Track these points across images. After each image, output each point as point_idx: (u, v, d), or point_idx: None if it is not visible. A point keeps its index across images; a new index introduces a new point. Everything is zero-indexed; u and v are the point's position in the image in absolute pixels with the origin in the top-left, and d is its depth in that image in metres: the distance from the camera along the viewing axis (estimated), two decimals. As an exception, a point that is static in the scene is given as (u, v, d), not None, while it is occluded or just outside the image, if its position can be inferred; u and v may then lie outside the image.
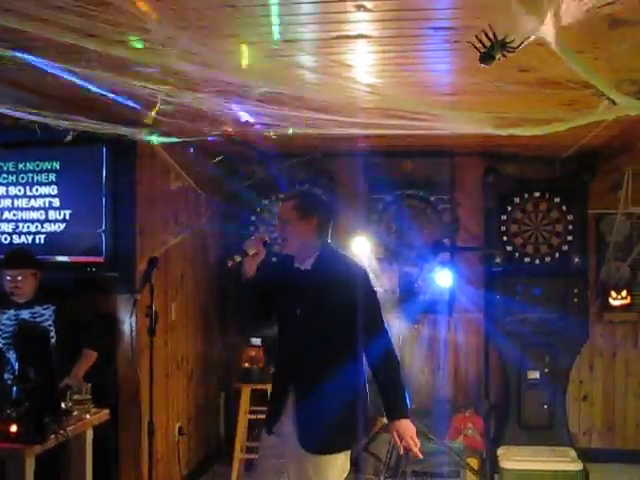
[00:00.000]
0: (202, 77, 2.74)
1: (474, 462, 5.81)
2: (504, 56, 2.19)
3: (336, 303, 3.21)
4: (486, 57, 2.17)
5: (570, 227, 6.22)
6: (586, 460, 5.76)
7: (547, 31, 2.35)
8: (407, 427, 3.27)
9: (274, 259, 3.65)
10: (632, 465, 6.17)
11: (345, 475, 3.31)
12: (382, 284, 6.07)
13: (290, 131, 3.58)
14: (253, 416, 5.66)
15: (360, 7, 2.58)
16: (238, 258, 3.32)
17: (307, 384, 3.22)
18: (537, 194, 6.28)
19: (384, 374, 3.29)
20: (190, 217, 5.74)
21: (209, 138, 4.19)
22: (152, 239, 5.00)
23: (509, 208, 6.31)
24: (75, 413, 3.89)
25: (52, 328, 4.35)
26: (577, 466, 5.63)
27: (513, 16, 2.17)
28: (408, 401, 3.38)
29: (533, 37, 2.25)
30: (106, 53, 2.50)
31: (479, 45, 2.15)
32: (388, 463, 5.48)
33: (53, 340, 4.27)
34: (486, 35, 2.10)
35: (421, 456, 3.33)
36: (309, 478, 3.17)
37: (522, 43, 2.17)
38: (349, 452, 3.30)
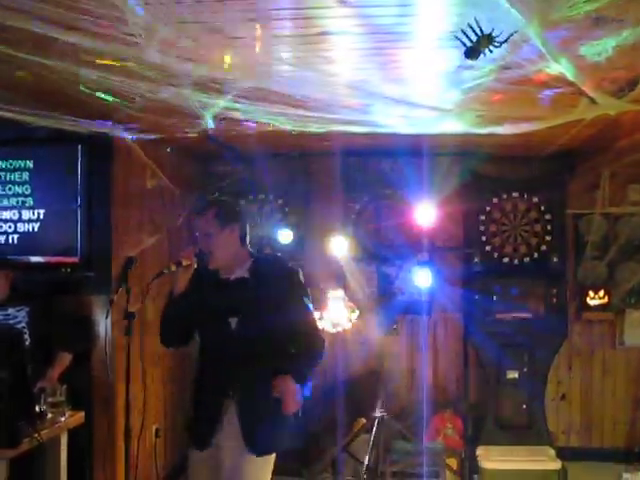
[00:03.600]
0: (183, 71, 2.68)
1: (453, 462, 5.81)
2: (490, 51, 2.16)
3: (277, 308, 3.22)
4: (472, 51, 2.14)
5: (548, 227, 6.24)
6: (564, 459, 5.78)
7: (532, 27, 2.33)
8: (289, 383, 3.20)
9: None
10: (610, 463, 6.19)
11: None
12: (360, 284, 6.05)
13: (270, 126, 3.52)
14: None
15: (342, 1, 2.55)
16: (173, 267, 3.20)
17: (248, 390, 3.21)
18: (515, 194, 6.28)
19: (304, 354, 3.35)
20: (166, 217, 5.66)
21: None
22: (128, 239, 4.92)
23: (488, 208, 6.31)
24: (49, 416, 3.80)
25: (26, 330, 4.26)
26: (556, 465, 5.64)
27: (499, 11, 2.15)
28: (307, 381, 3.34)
29: (518, 32, 2.23)
30: (82, 46, 2.43)
31: (465, 39, 2.11)
32: (367, 464, 5.45)
33: (27, 342, 4.18)
34: (472, 29, 2.07)
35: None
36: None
37: (508, 37, 2.14)
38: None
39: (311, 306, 3.43)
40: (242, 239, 3.29)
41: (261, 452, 3.22)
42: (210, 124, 3.48)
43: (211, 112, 3.29)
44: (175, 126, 3.82)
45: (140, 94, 3.07)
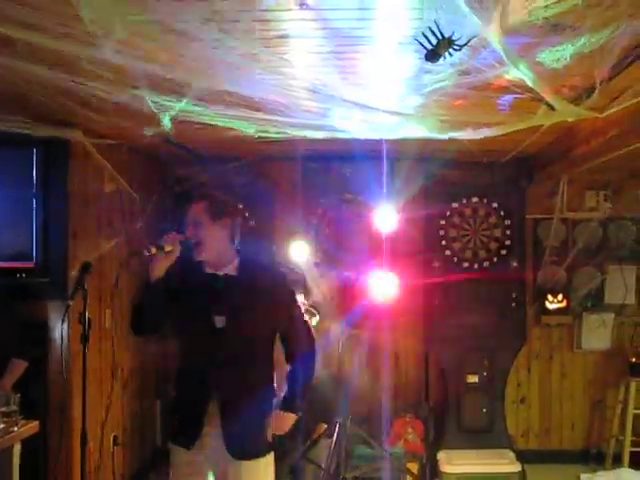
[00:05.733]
0: (138, 72, 2.63)
1: (414, 467, 5.82)
2: (450, 54, 2.16)
3: (264, 308, 3.17)
4: (432, 55, 2.14)
5: (508, 232, 6.31)
6: (524, 461, 5.84)
7: (491, 31, 2.34)
8: (285, 420, 3.31)
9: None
10: (568, 465, 6.32)
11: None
12: (321, 289, 6.02)
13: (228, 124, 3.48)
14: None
15: (302, 4, 2.53)
16: (154, 250, 3.04)
17: (232, 391, 3.14)
18: (475, 199, 6.34)
19: (300, 375, 3.35)
20: (125, 221, 5.58)
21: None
22: (85, 243, 4.83)
23: (448, 213, 6.35)
24: (2, 426, 3.70)
25: (-22, 337, 4.15)
26: (515, 467, 5.70)
27: (459, 15, 2.15)
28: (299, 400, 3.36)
29: (478, 36, 2.23)
30: (37, 45, 2.37)
31: (425, 42, 2.11)
32: (328, 470, 5.42)
33: (-21, 349, 4.08)
34: (432, 32, 2.06)
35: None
36: None
37: (468, 41, 2.14)
38: (272, 454, 3.32)
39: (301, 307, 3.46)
40: (233, 236, 3.23)
41: (243, 457, 3.16)
42: (167, 127, 3.41)
43: (168, 115, 3.24)
44: (133, 129, 3.76)
45: (96, 96, 3.01)
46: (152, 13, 2.28)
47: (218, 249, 3.18)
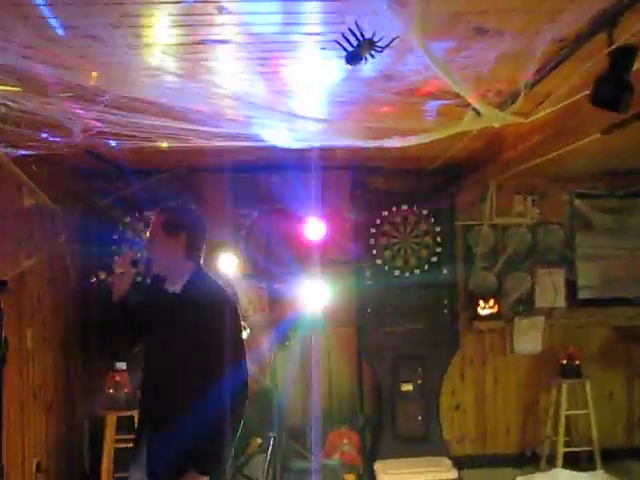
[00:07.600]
0: (46, 78, 2.49)
1: (351, 478, 5.77)
2: (372, 56, 2.10)
3: (196, 331, 3.00)
4: (353, 57, 2.07)
5: (438, 239, 6.32)
6: (461, 467, 5.85)
7: (415, 34, 2.29)
8: None
9: (148, 281, 3.39)
10: (504, 468, 6.37)
11: None
12: (251, 302, 5.93)
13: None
14: (120, 445, 5.35)
15: (222, 9, 2.44)
16: (103, 275, 3.15)
17: (161, 413, 3.04)
18: (405, 207, 6.33)
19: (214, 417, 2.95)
20: (46, 236, 5.36)
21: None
22: (2, 261, 4.61)
23: (378, 221, 6.32)
24: None
25: None
26: (452, 474, 5.72)
27: (381, 16, 2.09)
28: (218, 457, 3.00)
29: (400, 38, 2.18)
30: None
31: (346, 44, 2.04)
32: (264, 486, 5.32)
33: None
34: (353, 33, 2.00)
35: None
36: None
37: (390, 43, 2.08)
38: None
39: (241, 343, 3.19)
40: (190, 251, 3.14)
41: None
42: (79, 138, 3.26)
43: (80, 125, 3.09)
44: (47, 140, 3.58)
45: (2, 103, 2.84)
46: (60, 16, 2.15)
47: (169, 264, 3.14)
